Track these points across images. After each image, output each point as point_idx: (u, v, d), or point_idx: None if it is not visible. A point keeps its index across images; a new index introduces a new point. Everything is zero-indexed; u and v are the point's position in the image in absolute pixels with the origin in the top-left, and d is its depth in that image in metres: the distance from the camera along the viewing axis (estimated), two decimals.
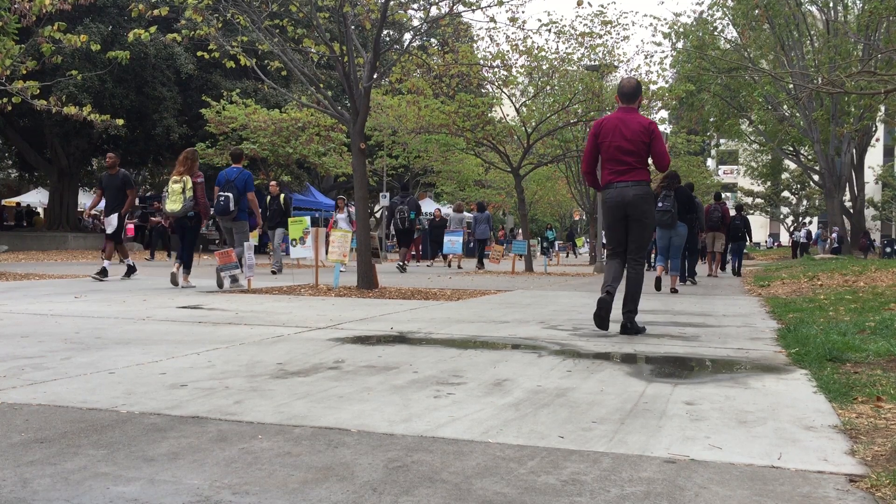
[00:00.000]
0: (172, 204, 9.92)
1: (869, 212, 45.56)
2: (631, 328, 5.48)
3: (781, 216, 60.18)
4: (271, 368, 3.81)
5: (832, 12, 27.19)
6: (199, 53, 11.31)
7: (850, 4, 27.56)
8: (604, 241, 10.33)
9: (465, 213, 22.47)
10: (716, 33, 27.68)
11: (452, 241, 18.54)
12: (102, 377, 3.50)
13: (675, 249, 10.90)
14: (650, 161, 5.64)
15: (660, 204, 10.41)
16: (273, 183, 15.77)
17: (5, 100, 11.69)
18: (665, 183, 10.62)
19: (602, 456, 2.35)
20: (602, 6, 17.95)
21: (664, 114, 32.10)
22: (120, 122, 12.82)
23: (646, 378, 3.71)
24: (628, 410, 2.98)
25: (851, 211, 33.25)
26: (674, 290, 10.60)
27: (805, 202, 57.55)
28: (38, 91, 11.75)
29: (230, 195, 10.19)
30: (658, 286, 10.40)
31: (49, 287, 9.33)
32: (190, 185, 9.65)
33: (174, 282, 9.82)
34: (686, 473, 2.18)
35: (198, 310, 6.75)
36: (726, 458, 2.34)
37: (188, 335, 5.03)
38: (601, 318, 5.47)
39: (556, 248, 26.00)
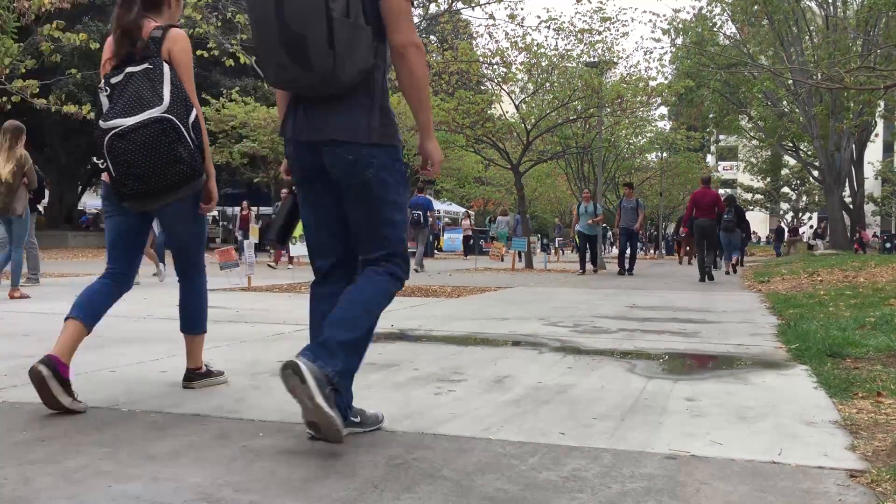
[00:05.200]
0: None
1: (869, 207, 45.53)
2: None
3: (781, 212, 60.16)
4: (272, 366, 3.81)
5: (831, 8, 27.15)
6: (198, 52, 11.29)
7: (849, 0, 27.52)
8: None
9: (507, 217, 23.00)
10: (715, 29, 27.65)
11: (453, 239, 18.55)
12: (104, 375, 3.51)
13: (734, 246, 16.12)
14: None
15: (726, 216, 14.27)
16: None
17: (5, 99, 11.68)
18: (727, 202, 15.10)
19: (603, 452, 2.35)
20: (601, 2, 17.93)
21: (664, 110, 32.12)
22: None
23: (646, 374, 3.72)
24: (629, 407, 2.98)
25: (851, 206, 33.23)
26: (733, 272, 15.57)
27: (805, 198, 57.52)
28: (38, 90, 11.73)
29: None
30: (709, 277, 12.77)
31: (49, 287, 9.33)
32: None
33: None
34: (687, 469, 2.19)
35: None
36: (727, 453, 2.35)
37: None
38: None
39: (557, 245, 25.98)
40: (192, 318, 3.25)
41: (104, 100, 2.86)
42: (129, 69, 2.85)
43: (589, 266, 15.37)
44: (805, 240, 37.94)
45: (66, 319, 3.02)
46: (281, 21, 2.23)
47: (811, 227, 45.08)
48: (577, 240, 15.92)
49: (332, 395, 2.18)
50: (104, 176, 3.02)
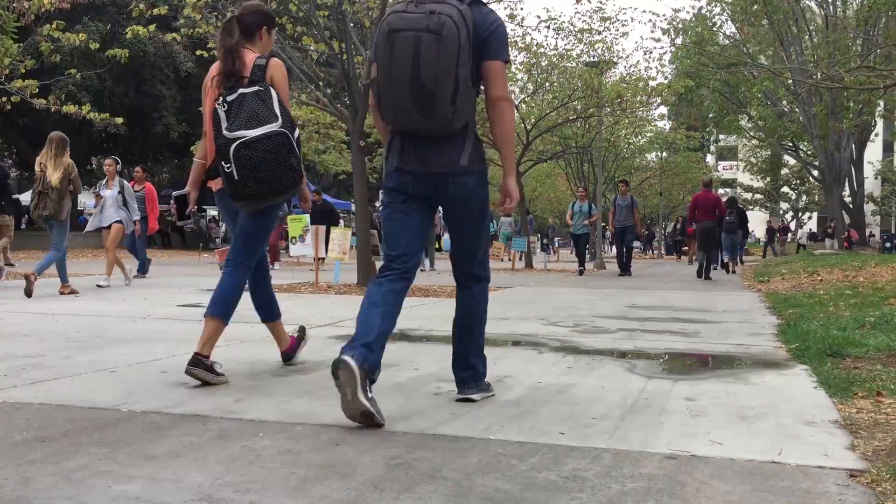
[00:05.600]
0: None
1: (868, 207, 45.53)
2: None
3: (781, 212, 60.17)
4: (272, 366, 3.81)
5: (831, 7, 27.16)
6: (198, 52, 11.30)
7: (848, 0, 27.53)
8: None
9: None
10: (714, 29, 27.66)
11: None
12: (103, 376, 3.51)
13: (734, 246, 16.82)
14: None
15: (727, 218, 15.05)
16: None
17: (4, 99, 11.68)
18: (729, 204, 15.85)
19: (603, 452, 2.35)
20: (601, 2, 17.94)
21: (663, 110, 32.11)
22: (119, 120, 12.81)
23: (646, 374, 3.72)
24: (629, 406, 2.98)
25: (851, 206, 33.23)
26: (733, 271, 16.05)
27: (805, 198, 57.52)
28: (38, 90, 11.73)
29: None
30: (708, 276, 13.26)
31: (49, 286, 9.33)
32: None
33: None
34: (687, 469, 2.19)
35: (198, 308, 6.75)
36: (727, 453, 2.35)
37: (189, 333, 5.03)
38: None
39: (557, 245, 26.03)
40: (272, 306, 3.90)
41: (222, 114, 3.32)
42: (241, 90, 3.34)
43: (588, 264, 15.13)
44: (796, 240, 37.84)
45: (206, 317, 3.56)
46: (415, 77, 2.71)
47: (801, 226, 45.05)
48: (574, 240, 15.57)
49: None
50: (212, 183, 3.57)
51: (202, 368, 3.33)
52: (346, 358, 2.56)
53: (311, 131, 23.34)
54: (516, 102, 17.72)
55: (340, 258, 10.16)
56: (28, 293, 7.41)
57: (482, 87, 2.96)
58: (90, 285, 9.52)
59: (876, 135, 36.85)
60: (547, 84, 17.31)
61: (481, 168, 3.01)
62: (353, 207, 18.99)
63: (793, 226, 48.17)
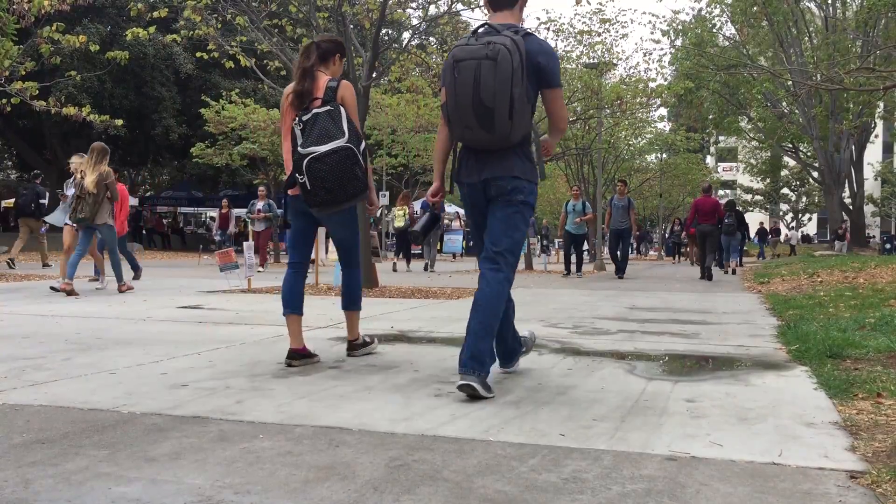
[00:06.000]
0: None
1: (868, 208, 45.55)
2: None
3: (781, 213, 60.19)
4: (272, 368, 3.81)
5: (831, 9, 27.18)
6: (198, 54, 11.30)
7: (848, 1, 27.56)
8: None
9: None
10: (714, 30, 27.68)
11: (453, 241, 18.53)
12: (103, 378, 3.51)
13: (734, 248, 16.70)
14: None
15: (726, 220, 15.09)
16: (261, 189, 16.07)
17: (4, 101, 11.69)
18: (727, 207, 15.52)
19: (603, 453, 2.35)
20: (601, 4, 17.96)
21: (663, 111, 32.14)
22: (119, 122, 12.82)
23: (646, 375, 3.72)
24: (629, 408, 2.98)
25: (851, 207, 33.24)
26: (733, 272, 16.30)
27: (804, 199, 57.53)
28: (37, 92, 11.74)
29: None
30: (710, 276, 13.74)
31: (48, 289, 9.33)
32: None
33: None
34: (687, 471, 2.19)
35: (198, 310, 6.76)
36: (727, 454, 2.35)
37: (189, 335, 5.03)
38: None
39: (557, 246, 26.03)
40: (354, 298, 4.29)
41: (297, 132, 3.81)
42: (315, 110, 3.80)
43: (574, 270, 14.50)
44: (788, 241, 37.79)
45: (286, 314, 4.02)
46: (476, 97, 3.14)
47: (791, 227, 45.02)
48: (564, 240, 14.92)
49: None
50: (291, 191, 3.98)
51: (357, 348, 4.24)
52: (474, 383, 3.11)
53: None
54: None
55: None
56: (68, 293, 8.08)
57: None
58: (92, 286, 9.52)
59: (876, 136, 36.86)
60: None
61: (529, 179, 3.37)
62: None
63: (783, 228, 48.10)
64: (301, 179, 3.77)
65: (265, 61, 11.72)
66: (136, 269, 11.00)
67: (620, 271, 14.08)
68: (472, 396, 3.11)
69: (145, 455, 2.28)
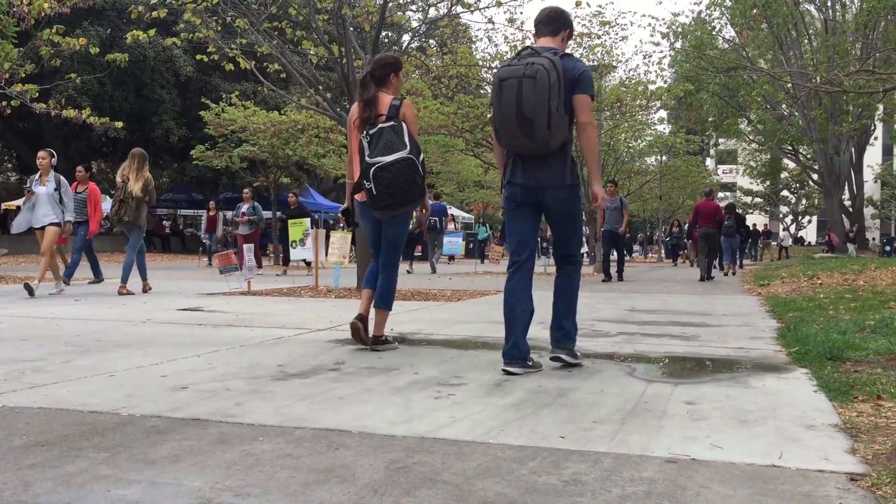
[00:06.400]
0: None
1: (868, 210, 45.57)
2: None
3: (781, 215, 60.20)
4: (272, 370, 3.81)
5: (830, 11, 27.21)
6: (198, 56, 11.30)
7: (847, 3, 27.59)
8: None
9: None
10: (714, 33, 27.72)
11: (452, 242, 18.53)
12: (103, 380, 3.51)
13: (733, 250, 16.97)
14: None
15: (726, 223, 15.52)
16: (246, 191, 15.89)
17: (5, 103, 11.69)
18: (727, 210, 15.88)
19: (603, 456, 2.35)
20: (600, 6, 18.02)
21: (663, 114, 32.13)
22: (119, 124, 12.82)
23: (646, 378, 3.71)
24: (629, 410, 2.98)
25: (850, 210, 33.25)
26: (733, 274, 16.63)
27: (804, 201, 57.55)
28: (38, 94, 11.74)
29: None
30: (709, 276, 14.32)
31: (49, 290, 9.33)
32: None
33: None
34: (687, 473, 2.19)
35: (198, 312, 6.75)
36: (727, 457, 2.35)
37: (188, 337, 5.03)
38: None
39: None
40: (386, 298, 4.67)
41: (365, 145, 4.41)
42: (381, 125, 4.41)
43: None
44: (779, 243, 37.75)
45: (362, 289, 4.76)
46: (519, 110, 3.65)
47: (783, 229, 44.98)
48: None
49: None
50: (359, 196, 4.57)
51: (379, 343, 4.57)
52: (515, 370, 3.80)
53: (311, 135, 23.40)
54: None
55: (340, 262, 10.16)
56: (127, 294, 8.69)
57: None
58: (92, 289, 9.52)
59: (875, 138, 36.92)
60: None
61: (574, 182, 3.88)
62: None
63: (781, 230, 48.09)
64: (368, 186, 4.35)
65: (265, 64, 11.71)
66: (98, 275, 10.70)
67: (619, 275, 13.75)
68: (568, 365, 3.93)
69: (145, 457, 2.28)
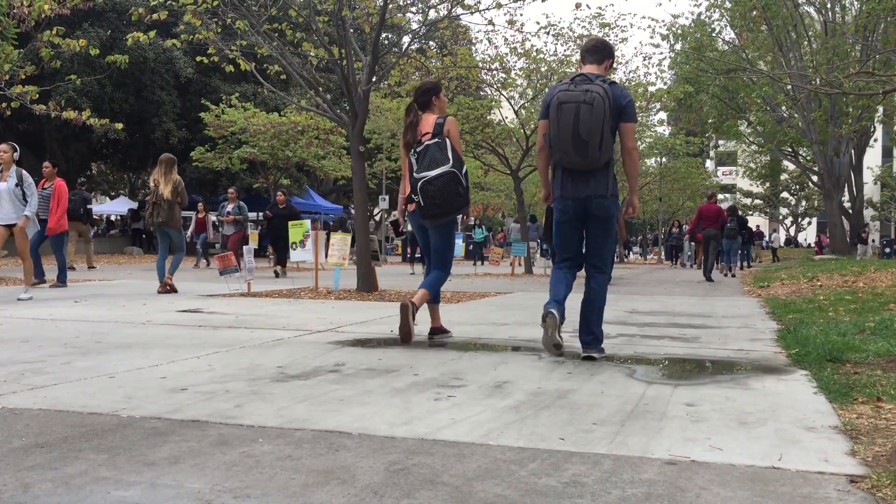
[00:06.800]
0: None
1: (868, 212, 45.58)
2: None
3: (780, 217, 60.22)
4: (272, 372, 3.81)
5: (830, 13, 27.22)
6: (198, 58, 11.31)
7: (847, 5, 27.58)
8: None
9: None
10: (714, 35, 27.71)
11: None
12: (103, 381, 3.50)
13: (734, 252, 17.59)
14: None
15: (728, 224, 16.09)
16: (231, 190, 15.74)
17: (4, 104, 11.69)
18: (729, 212, 16.55)
19: (603, 458, 2.35)
20: (600, 8, 18.02)
21: (663, 115, 32.14)
22: (119, 126, 12.83)
23: (646, 379, 3.71)
24: (629, 412, 2.98)
25: (850, 211, 33.25)
26: (733, 275, 16.86)
27: (804, 203, 57.58)
28: (37, 95, 11.74)
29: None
30: (710, 277, 14.78)
31: (49, 291, 9.33)
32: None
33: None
34: (687, 475, 2.19)
35: (198, 313, 6.75)
36: (727, 459, 2.35)
37: (188, 339, 5.03)
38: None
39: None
40: (434, 295, 5.18)
41: (413, 162, 4.97)
42: (426, 143, 4.93)
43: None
44: (770, 245, 37.71)
45: (420, 288, 5.09)
46: (576, 132, 4.15)
47: (774, 230, 44.94)
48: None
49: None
50: (410, 206, 5.04)
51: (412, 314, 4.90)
52: (552, 310, 4.22)
53: (311, 136, 23.40)
54: (516, 108, 17.78)
55: (340, 263, 10.16)
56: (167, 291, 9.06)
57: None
58: (92, 290, 9.51)
59: (875, 140, 36.89)
60: (546, 89, 17.32)
61: (615, 194, 4.36)
62: (352, 212, 19.00)
63: (768, 231, 48.08)
64: (416, 198, 4.87)
65: (265, 65, 11.73)
66: (63, 273, 10.33)
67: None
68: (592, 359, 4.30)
69: (145, 459, 2.28)
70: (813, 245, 42.87)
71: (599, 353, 4.36)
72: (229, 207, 15.08)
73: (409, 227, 6.85)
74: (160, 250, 9.55)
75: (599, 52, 4.47)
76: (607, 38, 16.91)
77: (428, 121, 5.04)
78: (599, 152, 4.17)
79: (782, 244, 43.37)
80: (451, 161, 4.84)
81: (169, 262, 9.52)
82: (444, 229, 5.10)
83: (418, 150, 4.93)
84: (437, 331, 5.24)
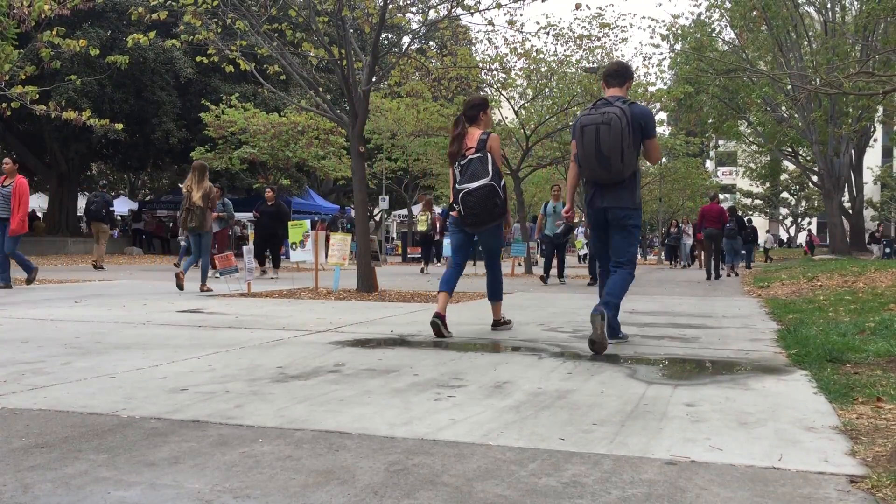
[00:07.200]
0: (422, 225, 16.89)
1: (868, 212, 45.56)
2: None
3: (780, 217, 60.21)
4: (271, 372, 3.81)
5: (830, 13, 27.22)
6: (198, 58, 11.30)
7: (847, 5, 27.58)
8: None
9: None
10: (714, 35, 27.70)
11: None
12: (103, 382, 3.50)
13: (735, 252, 18.22)
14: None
15: (728, 225, 16.58)
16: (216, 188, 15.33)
17: (4, 105, 11.69)
18: (729, 212, 17.08)
19: (603, 458, 2.35)
20: (600, 9, 18.00)
21: (663, 115, 32.15)
22: (119, 126, 12.81)
23: (646, 380, 3.71)
24: (629, 412, 2.98)
25: (850, 211, 33.26)
26: (735, 274, 17.42)
27: (804, 203, 57.57)
28: (38, 96, 11.73)
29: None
30: (716, 275, 15.60)
31: (49, 292, 9.33)
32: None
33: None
34: (687, 475, 2.19)
35: (198, 314, 6.75)
36: (727, 459, 2.35)
37: (188, 339, 5.03)
38: None
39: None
40: (495, 292, 5.77)
41: (457, 172, 5.43)
42: (470, 157, 5.38)
43: (554, 275, 13.42)
44: (763, 245, 37.69)
45: (439, 292, 5.54)
46: (598, 149, 4.72)
47: (767, 231, 44.91)
48: (543, 245, 13.61)
49: (605, 324, 4.58)
50: (453, 213, 5.50)
51: (443, 325, 5.30)
52: (601, 308, 4.62)
53: (311, 137, 23.39)
54: (516, 108, 17.79)
55: (340, 264, 10.15)
56: (180, 287, 9.55)
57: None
58: (92, 290, 9.52)
59: (875, 140, 36.88)
60: (546, 90, 17.34)
61: (638, 205, 4.92)
62: (352, 213, 18.99)
63: (762, 232, 48.07)
64: (457, 207, 5.37)
65: (265, 65, 11.72)
66: (29, 271, 10.35)
67: (596, 279, 12.04)
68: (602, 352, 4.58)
69: (145, 459, 2.28)
70: (803, 245, 42.73)
71: (617, 340, 5.04)
72: None
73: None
74: (193, 252, 10.04)
75: (620, 75, 5.02)
76: (607, 38, 16.97)
77: (473, 135, 5.47)
78: (622, 164, 4.70)
79: (775, 245, 43.32)
80: (490, 174, 5.28)
81: (193, 266, 10.03)
82: (492, 234, 5.54)
83: (462, 162, 5.39)
84: (498, 323, 5.88)
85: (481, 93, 22.20)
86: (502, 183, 5.38)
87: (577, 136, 4.81)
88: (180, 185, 15.51)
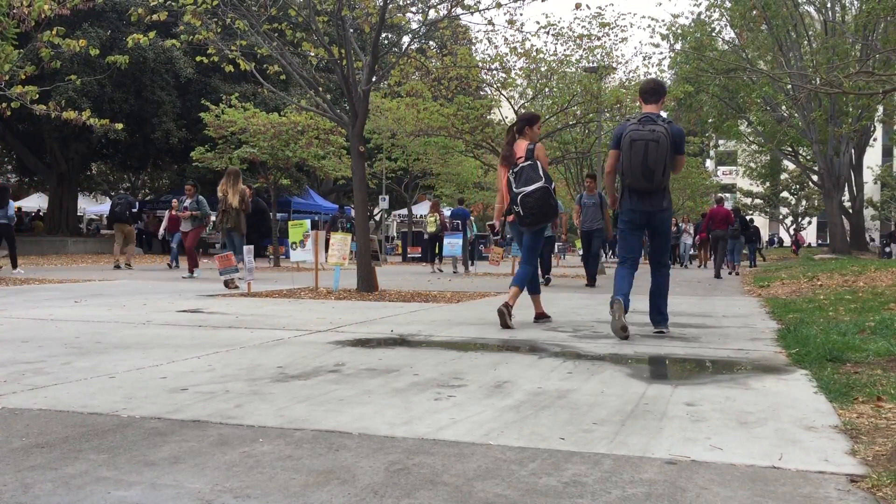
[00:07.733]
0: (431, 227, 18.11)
1: (868, 212, 45.54)
2: None
3: (780, 216, 60.19)
4: (272, 372, 3.81)
5: (830, 13, 27.21)
6: (198, 58, 11.30)
7: (847, 5, 27.57)
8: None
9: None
10: (714, 34, 27.70)
11: (452, 244, 18.51)
12: (103, 381, 3.51)
13: (738, 251, 18.92)
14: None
15: (732, 226, 17.46)
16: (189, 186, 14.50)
17: (4, 105, 11.68)
18: (734, 214, 18.10)
19: (603, 457, 2.35)
20: (600, 8, 17.97)
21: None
22: (119, 126, 12.80)
23: (646, 379, 3.71)
24: (629, 412, 2.98)
25: (850, 211, 33.25)
26: (736, 273, 18.05)
27: (804, 202, 57.55)
28: (37, 96, 11.72)
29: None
30: (719, 275, 16.24)
31: (49, 292, 9.33)
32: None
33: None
34: (687, 474, 2.19)
35: (198, 314, 6.75)
36: (727, 458, 2.34)
37: (188, 339, 5.03)
38: None
39: (556, 250, 25.93)
40: (532, 286, 6.37)
41: (512, 179, 6.03)
42: (521, 165, 6.02)
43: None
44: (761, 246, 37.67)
45: (510, 286, 6.16)
46: (645, 163, 5.37)
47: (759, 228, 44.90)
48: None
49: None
50: (509, 217, 6.22)
51: (508, 315, 5.83)
52: (619, 297, 5.29)
53: (311, 136, 23.39)
54: (516, 107, 17.79)
55: (340, 263, 10.15)
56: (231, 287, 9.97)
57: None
58: (91, 290, 9.51)
59: (875, 140, 36.86)
60: (546, 89, 17.32)
61: (670, 207, 5.60)
62: (352, 213, 18.99)
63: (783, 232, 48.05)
64: (517, 209, 5.93)
65: (265, 65, 11.71)
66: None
67: (593, 279, 12.27)
68: (664, 335, 5.43)
69: (145, 459, 2.28)
70: (820, 244, 42.69)
71: (667, 328, 5.60)
72: (187, 202, 13.88)
73: (508, 234, 8.52)
74: (230, 251, 10.68)
75: (657, 93, 5.63)
76: (607, 38, 16.96)
77: (521, 146, 6.14)
78: (662, 178, 5.40)
79: (765, 245, 43.36)
80: (543, 179, 5.91)
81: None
82: (536, 233, 6.13)
83: (515, 170, 6.01)
84: (540, 316, 6.35)
85: (481, 93, 22.21)
86: (552, 186, 5.98)
87: (626, 149, 5.39)
88: (185, 186, 15.38)
